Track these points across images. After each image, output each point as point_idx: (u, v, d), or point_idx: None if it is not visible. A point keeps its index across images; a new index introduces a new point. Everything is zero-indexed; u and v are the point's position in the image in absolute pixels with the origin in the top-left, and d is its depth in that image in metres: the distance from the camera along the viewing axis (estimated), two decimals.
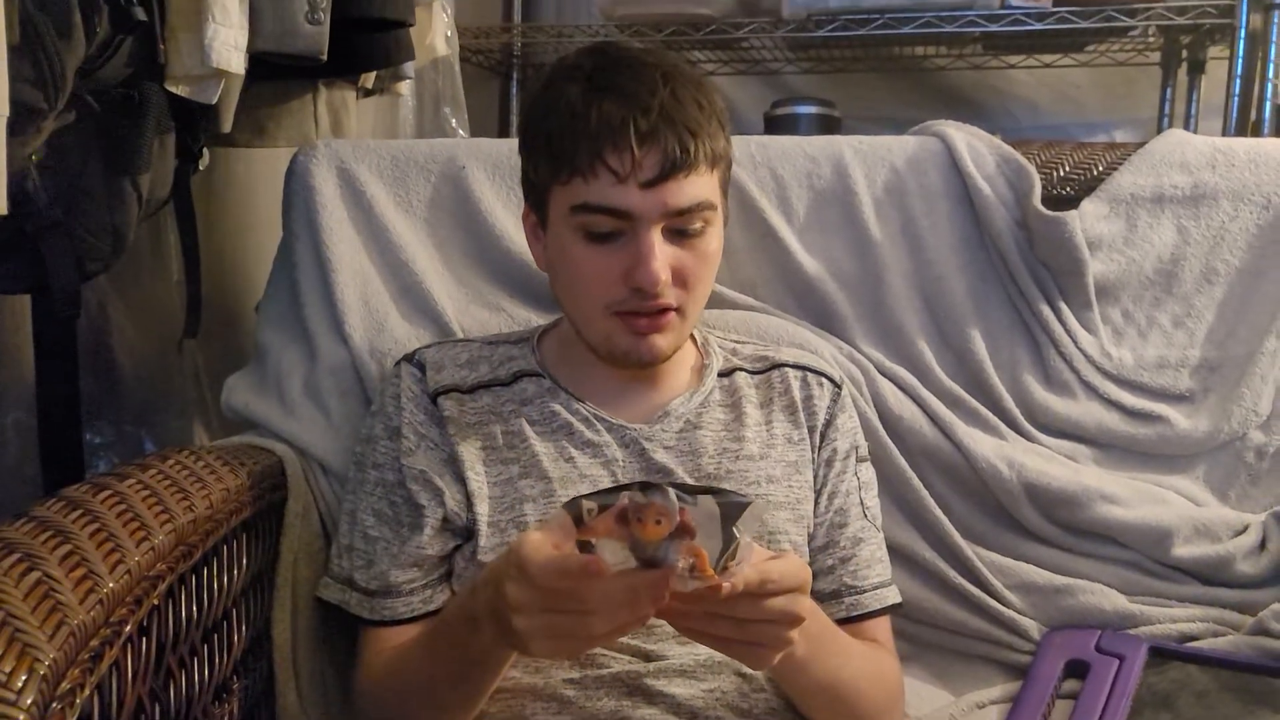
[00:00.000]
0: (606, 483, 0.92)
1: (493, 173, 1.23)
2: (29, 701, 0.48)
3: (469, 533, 0.92)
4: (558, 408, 0.97)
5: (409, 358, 1.01)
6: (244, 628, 0.89)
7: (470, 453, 0.94)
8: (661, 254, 0.87)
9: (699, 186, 0.88)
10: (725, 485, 0.94)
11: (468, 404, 0.97)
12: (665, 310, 0.90)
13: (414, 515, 0.93)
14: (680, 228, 0.89)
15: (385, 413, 0.98)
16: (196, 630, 0.77)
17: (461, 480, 0.93)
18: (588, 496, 0.66)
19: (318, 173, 1.19)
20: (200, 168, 1.19)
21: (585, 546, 0.65)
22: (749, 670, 0.87)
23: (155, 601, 0.65)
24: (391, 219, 1.20)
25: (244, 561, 0.89)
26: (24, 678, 0.49)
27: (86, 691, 0.54)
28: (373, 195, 1.20)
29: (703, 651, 0.85)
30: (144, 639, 0.65)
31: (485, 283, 1.21)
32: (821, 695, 0.87)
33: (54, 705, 0.51)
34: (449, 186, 1.22)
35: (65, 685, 0.52)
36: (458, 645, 0.81)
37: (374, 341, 1.13)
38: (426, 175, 1.22)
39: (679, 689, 0.83)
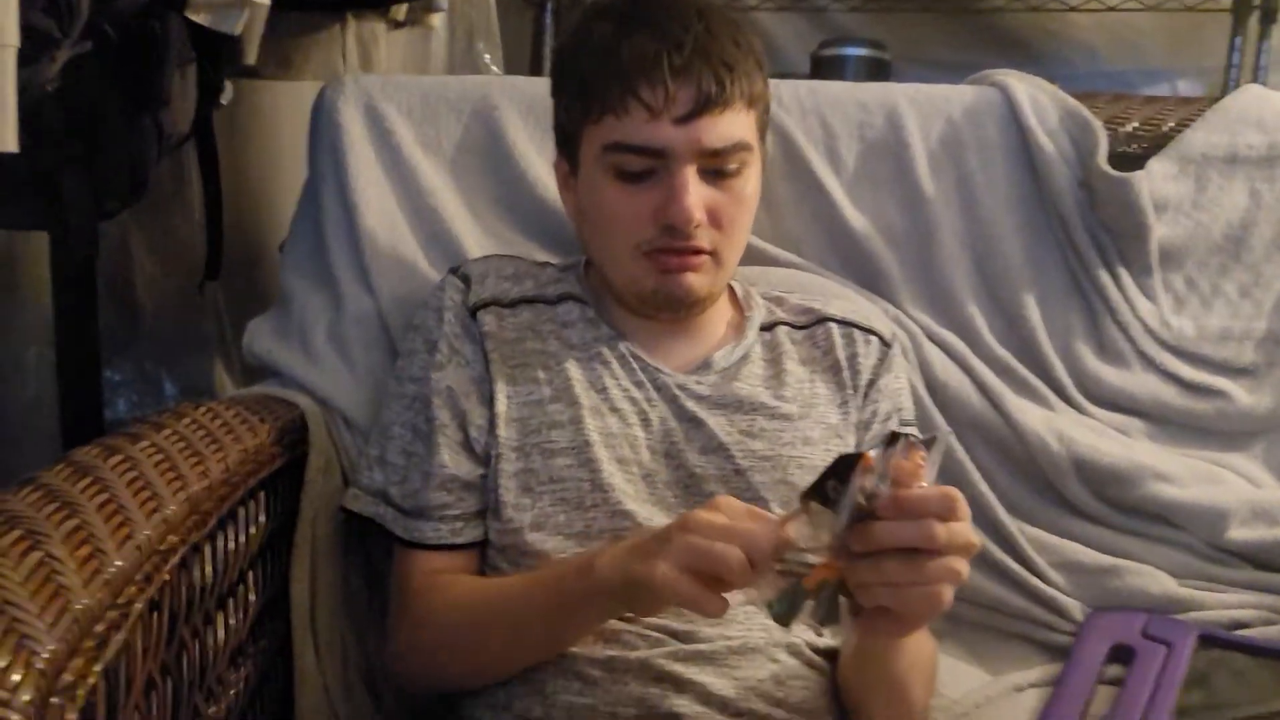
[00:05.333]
0: (634, 419, 0.90)
1: (526, 114, 1.16)
2: (25, 700, 0.45)
3: (488, 458, 0.89)
4: (598, 338, 0.94)
5: (455, 269, 0.99)
6: (260, 589, 0.86)
7: (501, 371, 0.91)
8: (696, 192, 0.84)
9: (735, 125, 0.85)
10: (757, 444, 0.90)
11: (507, 319, 0.94)
12: (698, 252, 0.87)
13: (439, 432, 0.90)
14: (716, 168, 0.86)
15: (426, 326, 0.96)
16: (211, 597, 0.74)
17: (488, 402, 0.90)
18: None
19: (345, 110, 1.13)
20: (223, 102, 1.14)
21: None
22: (782, 658, 0.83)
23: (166, 576, 0.62)
24: (419, 162, 1.14)
25: (261, 520, 0.86)
26: (20, 674, 0.45)
27: (91, 680, 0.50)
28: (401, 136, 1.14)
29: (735, 636, 0.82)
30: (154, 613, 0.62)
31: (515, 232, 1.16)
32: (892, 685, 0.82)
33: (53, 700, 0.47)
34: (480, 128, 1.16)
35: (67, 677, 0.49)
36: (567, 594, 0.77)
37: (400, 291, 1.08)
38: (458, 115, 1.16)
39: (710, 677, 0.79)
